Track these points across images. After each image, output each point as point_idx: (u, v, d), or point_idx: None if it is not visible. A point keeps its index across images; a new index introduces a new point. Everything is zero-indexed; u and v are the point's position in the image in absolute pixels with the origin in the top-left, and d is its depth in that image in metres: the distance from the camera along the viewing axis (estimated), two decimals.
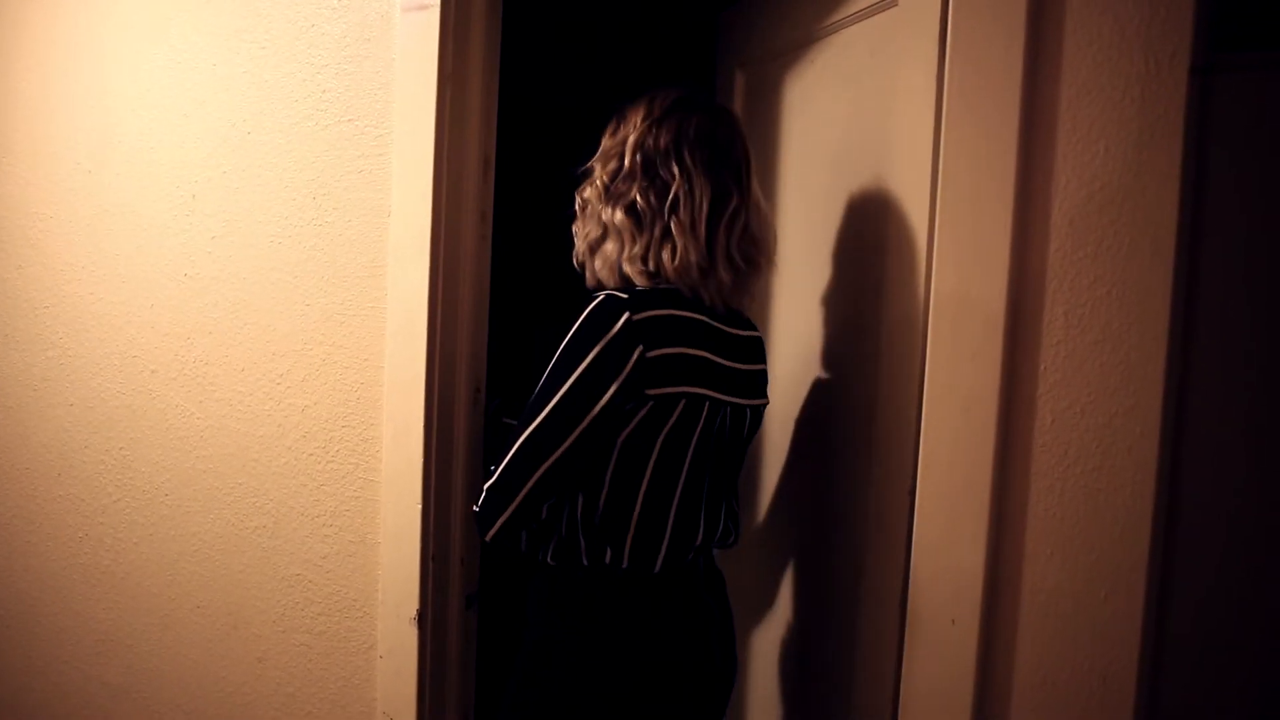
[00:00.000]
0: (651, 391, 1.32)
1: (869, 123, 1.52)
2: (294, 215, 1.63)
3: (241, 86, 1.67)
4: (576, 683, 1.37)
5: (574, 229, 1.47)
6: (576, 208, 1.46)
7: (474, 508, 1.37)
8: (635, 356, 1.30)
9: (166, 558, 1.81)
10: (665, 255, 1.38)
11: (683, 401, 1.35)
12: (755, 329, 1.53)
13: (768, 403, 1.55)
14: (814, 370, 1.69)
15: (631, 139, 1.41)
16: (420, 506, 1.52)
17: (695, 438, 1.39)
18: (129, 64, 1.78)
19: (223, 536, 1.74)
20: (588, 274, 1.45)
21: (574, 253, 1.47)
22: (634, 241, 1.39)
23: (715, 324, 1.40)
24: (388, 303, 1.54)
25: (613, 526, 1.39)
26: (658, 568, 1.40)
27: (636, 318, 1.31)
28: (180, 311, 1.75)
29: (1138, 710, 1.18)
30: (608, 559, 1.39)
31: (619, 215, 1.40)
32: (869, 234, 1.48)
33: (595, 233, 1.43)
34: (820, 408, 1.69)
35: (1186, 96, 1.11)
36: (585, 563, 1.39)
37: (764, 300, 1.83)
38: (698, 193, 1.37)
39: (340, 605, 1.64)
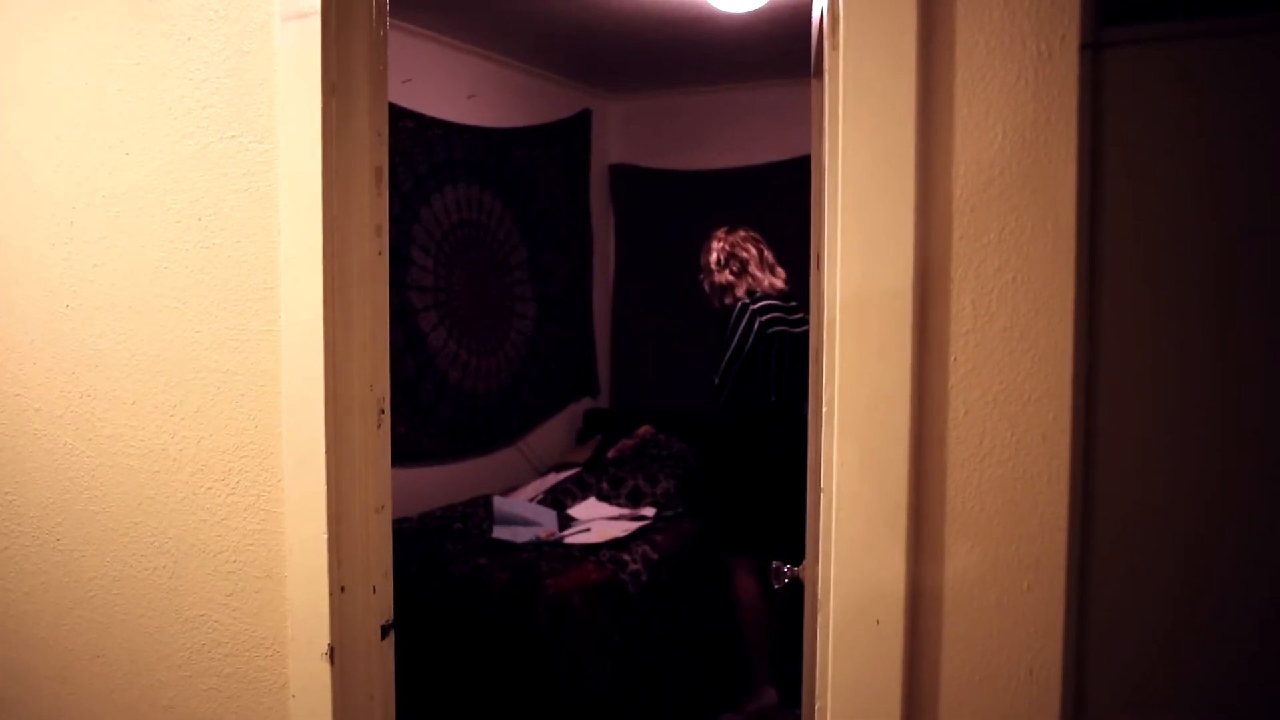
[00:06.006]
0: (768, 332, 3.40)
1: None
2: (179, 238, 1.55)
3: (118, 106, 1.59)
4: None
5: (704, 287, 3.63)
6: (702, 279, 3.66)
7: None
8: (750, 316, 3.42)
9: (61, 606, 1.70)
10: (757, 286, 3.53)
11: (774, 333, 3.41)
12: (797, 300, 3.42)
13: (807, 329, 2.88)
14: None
15: (713, 252, 3.60)
16: (326, 536, 1.45)
17: (781, 347, 3.42)
18: None
19: (120, 580, 1.65)
20: (718, 301, 3.58)
21: (706, 295, 3.65)
22: (736, 286, 3.54)
23: (779, 301, 3.46)
24: (282, 325, 1.47)
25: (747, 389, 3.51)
26: (760, 406, 3.49)
27: (753, 306, 3.43)
28: (63, 345, 1.65)
29: (1064, 703, 1.16)
30: (751, 403, 3.51)
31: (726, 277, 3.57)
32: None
33: (720, 285, 3.58)
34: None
35: (1079, 74, 1.10)
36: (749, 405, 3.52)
37: None
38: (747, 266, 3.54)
39: (249, 645, 1.56)
